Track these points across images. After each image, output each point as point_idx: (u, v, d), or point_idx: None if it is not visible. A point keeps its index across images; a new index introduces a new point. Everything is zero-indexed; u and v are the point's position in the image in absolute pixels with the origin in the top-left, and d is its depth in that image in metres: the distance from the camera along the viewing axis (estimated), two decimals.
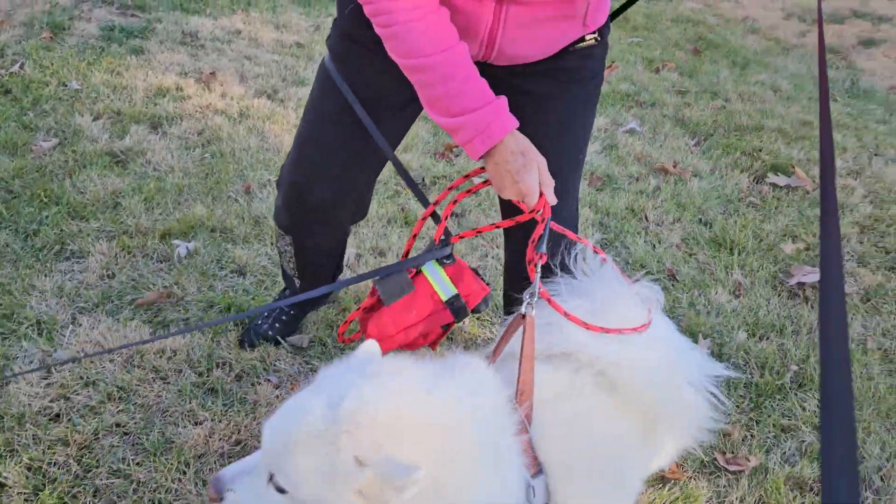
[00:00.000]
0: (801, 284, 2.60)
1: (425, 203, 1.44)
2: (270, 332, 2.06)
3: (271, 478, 1.02)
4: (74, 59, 3.76)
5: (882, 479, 1.90)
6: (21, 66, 3.59)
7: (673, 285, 2.59)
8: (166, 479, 1.67)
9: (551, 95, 1.53)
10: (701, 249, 2.80)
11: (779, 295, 2.57)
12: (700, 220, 3.01)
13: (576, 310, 1.23)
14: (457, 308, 1.34)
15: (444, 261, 1.37)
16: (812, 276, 2.61)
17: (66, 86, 3.49)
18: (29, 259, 2.32)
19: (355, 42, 1.51)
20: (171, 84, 3.63)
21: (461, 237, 1.41)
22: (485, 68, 1.43)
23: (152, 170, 2.91)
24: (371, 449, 0.95)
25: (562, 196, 1.59)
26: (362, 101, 1.50)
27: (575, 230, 1.70)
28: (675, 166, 3.36)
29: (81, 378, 1.91)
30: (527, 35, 1.40)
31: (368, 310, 1.37)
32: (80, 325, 2.08)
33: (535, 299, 1.22)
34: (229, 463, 1.69)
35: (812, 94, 4.36)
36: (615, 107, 3.97)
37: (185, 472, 1.69)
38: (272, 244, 2.51)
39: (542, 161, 1.32)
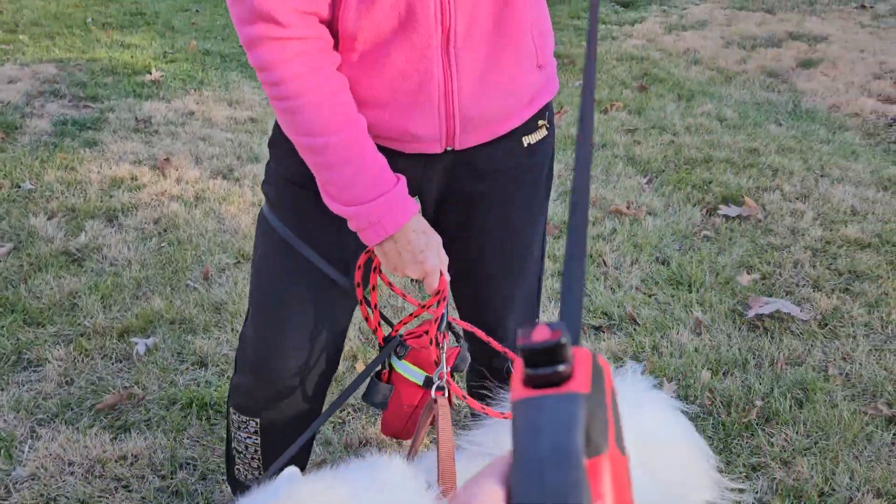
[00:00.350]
0: (759, 316, 2.63)
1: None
2: None
3: None
4: (27, 159, 3.78)
5: None
6: None
7: (635, 329, 2.61)
8: None
9: (506, 196, 1.46)
10: (660, 290, 2.84)
11: (739, 329, 2.60)
12: (657, 258, 3.05)
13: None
14: (436, 386, 1.34)
15: (400, 352, 1.40)
16: (769, 306, 2.65)
17: (20, 187, 3.50)
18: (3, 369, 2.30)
19: (295, 185, 1.38)
20: (126, 174, 3.65)
21: (396, 331, 1.41)
22: (438, 171, 1.38)
23: (108, 265, 2.91)
24: None
25: (515, 300, 1.58)
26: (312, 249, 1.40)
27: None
28: (628, 207, 3.42)
29: (42, 495, 1.88)
30: (484, 84, 1.29)
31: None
32: (40, 437, 2.06)
33: (444, 382, 1.24)
34: None
35: (757, 119, 4.47)
36: (567, 151, 4.04)
37: None
38: (221, 440, 2.05)
39: (439, 240, 1.31)
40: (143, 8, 7.46)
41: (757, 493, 1.97)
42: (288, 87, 1.16)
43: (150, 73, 5.22)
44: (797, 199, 3.48)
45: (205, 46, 6.07)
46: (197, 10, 7.45)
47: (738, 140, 4.14)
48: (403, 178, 1.27)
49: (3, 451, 2.02)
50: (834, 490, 1.97)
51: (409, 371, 1.39)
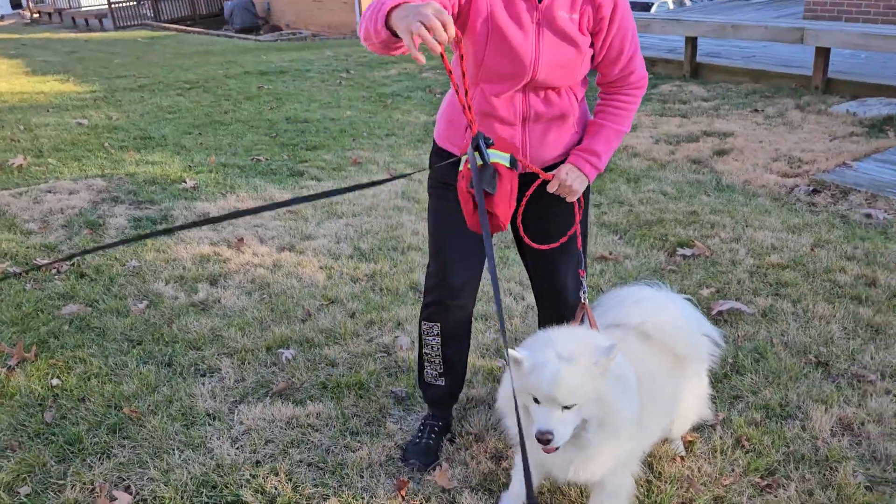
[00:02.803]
0: (720, 312, 3.68)
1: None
2: (431, 444, 2.61)
3: (563, 408, 1.90)
4: (121, 247, 4.59)
5: None
6: (81, 258, 4.39)
7: None
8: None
9: (559, 198, 2.43)
10: None
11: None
12: None
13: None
14: (517, 164, 2.05)
15: (489, 141, 1.96)
16: (726, 305, 3.71)
17: (126, 265, 4.31)
18: (177, 379, 3.08)
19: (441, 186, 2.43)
20: (210, 252, 4.51)
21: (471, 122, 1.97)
22: (524, 177, 2.34)
23: (229, 311, 3.74)
24: (596, 361, 1.90)
25: (568, 261, 2.56)
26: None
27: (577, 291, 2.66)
28: (610, 254, 4.50)
29: (262, 439, 2.67)
30: (543, 141, 2.30)
31: (473, 210, 1.98)
32: (240, 412, 2.85)
33: (584, 292, 2.26)
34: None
35: (691, 192, 5.73)
36: None
37: (361, 480, 2.47)
38: (373, 402, 3.04)
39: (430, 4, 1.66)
40: (149, 133, 8.44)
41: (739, 409, 2.94)
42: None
43: (186, 182, 6.14)
44: (732, 241, 4.64)
45: (220, 160, 7.05)
46: (199, 133, 8.48)
47: (679, 207, 5.35)
48: None
49: (216, 419, 2.80)
50: (788, 402, 2.96)
51: (499, 156, 1.95)
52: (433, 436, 2.62)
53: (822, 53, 8.65)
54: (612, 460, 2.08)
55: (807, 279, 4.05)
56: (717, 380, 3.13)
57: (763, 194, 5.68)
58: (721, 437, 2.74)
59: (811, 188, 5.67)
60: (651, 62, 10.02)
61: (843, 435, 2.76)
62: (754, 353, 3.34)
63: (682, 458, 2.66)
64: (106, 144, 7.79)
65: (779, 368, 3.19)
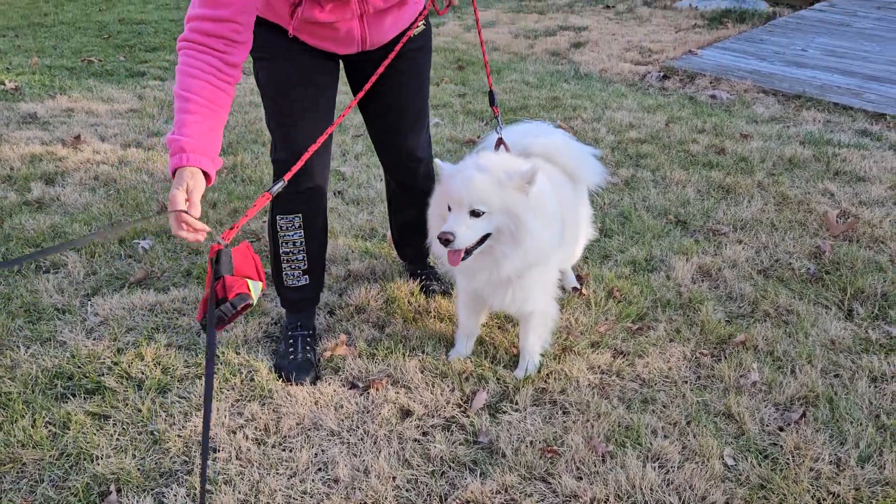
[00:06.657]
0: None
1: None
2: (310, 357, 2.32)
3: (471, 213, 1.91)
4: None
5: None
6: None
7: None
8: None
9: (405, 67, 2.30)
10: None
11: None
12: None
13: None
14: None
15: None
16: None
17: None
18: (15, 277, 2.74)
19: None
20: (41, 151, 4.02)
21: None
22: (364, 55, 2.19)
23: (70, 208, 3.37)
24: (508, 171, 1.92)
25: (417, 128, 2.43)
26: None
27: (429, 148, 2.55)
28: (478, 138, 4.46)
29: (122, 327, 2.44)
30: (382, 26, 2.15)
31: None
32: (96, 303, 2.59)
33: (501, 127, 2.28)
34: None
35: (552, 81, 5.79)
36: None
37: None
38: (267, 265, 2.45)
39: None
40: None
41: (610, 267, 3.04)
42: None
43: (5, 84, 5.42)
44: (593, 121, 4.75)
45: (45, 62, 6.28)
46: (16, 35, 7.49)
47: (542, 94, 5.39)
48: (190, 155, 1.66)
49: (67, 313, 2.53)
50: (653, 257, 3.10)
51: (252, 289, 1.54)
52: (307, 348, 2.33)
53: None
54: (541, 290, 2.23)
55: (663, 151, 4.22)
56: (587, 245, 3.21)
57: (618, 80, 5.84)
58: (594, 291, 2.83)
59: (662, 74, 5.89)
60: None
61: (702, 280, 2.93)
62: (620, 217, 3.46)
63: (575, 289, 2.78)
64: None
65: (643, 229, 3.33)
